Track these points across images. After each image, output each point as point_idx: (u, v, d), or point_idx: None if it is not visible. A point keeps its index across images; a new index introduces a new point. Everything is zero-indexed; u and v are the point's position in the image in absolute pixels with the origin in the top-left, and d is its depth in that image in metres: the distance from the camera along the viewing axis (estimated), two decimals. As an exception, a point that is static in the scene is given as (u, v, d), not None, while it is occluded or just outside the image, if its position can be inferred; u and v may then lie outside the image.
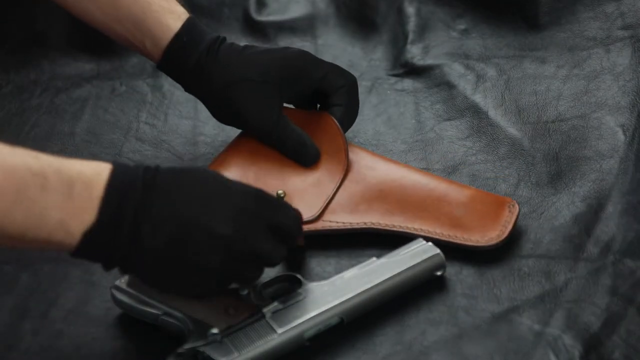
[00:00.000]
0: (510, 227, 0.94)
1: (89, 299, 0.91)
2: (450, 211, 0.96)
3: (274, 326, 0.85)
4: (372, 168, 1.00)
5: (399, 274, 0.89)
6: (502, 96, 1.13)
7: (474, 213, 0.96)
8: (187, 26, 0.98)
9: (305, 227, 0.95)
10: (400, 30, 1.23)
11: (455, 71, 1.17)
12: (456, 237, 0.94)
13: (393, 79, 1.18)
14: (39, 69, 1.21)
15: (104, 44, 1.22)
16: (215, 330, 0.84)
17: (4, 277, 0.94)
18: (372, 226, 0.96)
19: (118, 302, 0.88)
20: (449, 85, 1.15)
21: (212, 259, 0.81)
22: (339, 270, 0.91)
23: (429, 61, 1.19)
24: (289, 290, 0.89)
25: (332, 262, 0.94)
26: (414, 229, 0.95)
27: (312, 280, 0.89)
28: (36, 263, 0.95)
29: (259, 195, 0.84)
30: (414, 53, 1.20)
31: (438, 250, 0.91)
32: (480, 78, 1.16)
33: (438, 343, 0.86)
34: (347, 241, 0.96)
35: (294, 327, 0.85)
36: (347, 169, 1.00)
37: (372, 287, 0.88)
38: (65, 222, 0.77)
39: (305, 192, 0.97)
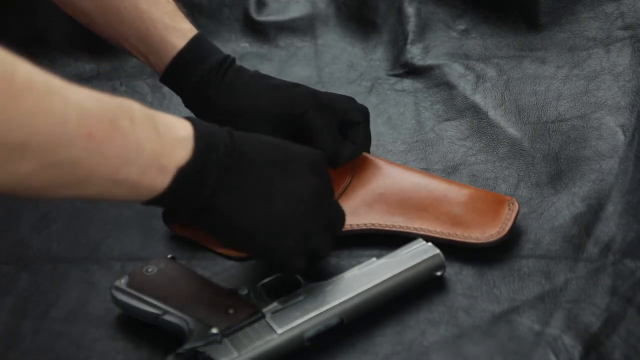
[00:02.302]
0: (510, 224, 0.94)
1: (89, 299, 0.91)
2: (450, 210, 0.96)
3: (274, 326, 0.85)
4: (372, 172, 1.00)
5: (398, 274, 0.89)
6: (502, 96, 1.13)
7: (473, 211, 0.96)
8: (191, 44, 0.98)
9: None
10: (400, 30, 1.23)
11: (455, 71, 1.17)
12: (456, 235, 0.94)
13: (393, 79, 1.18)
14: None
15: (104, 44, 1.21)
16: (215, 330, 0.84)
17: (4, 277, 0.94)
18: (373, 227, 0.96)
19: (118, 302, 0.88)
20: (449, 85, 1.15)
21: (298, 202, 0.83)
22: (339, 271, 0.91)
23: (429, 61, 1.19)
24: (288, 290, 0.89)
25: (332, 262, 0.94)
26: (414, 228, 0.95)
27: (312, 280, 0.89)
28: (36, 263, 0.95)
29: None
30: (414, 53, 1.20)
31: (438, 251, 0.91)
32: (480, 78, 1.16)
33: (438, 343, 0.86)
34: (347, 241, 0.96)
35: (294, 327, 0.85)
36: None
37: (372, 287, 0.88)
38: (159, 155, 0.76)
39: None
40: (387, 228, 0.95)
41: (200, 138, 0.79)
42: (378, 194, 0.98)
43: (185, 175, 0.77)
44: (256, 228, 0.83)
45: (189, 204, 0.79)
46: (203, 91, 0.98)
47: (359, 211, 0.97)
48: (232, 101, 0.97)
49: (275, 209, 0.83)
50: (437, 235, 0.94)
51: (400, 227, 0.95)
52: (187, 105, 1.01)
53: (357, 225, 0.96)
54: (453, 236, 0.94)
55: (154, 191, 0.77)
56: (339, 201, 0.98)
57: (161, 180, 0.76)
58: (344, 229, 0.96)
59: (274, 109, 0.97)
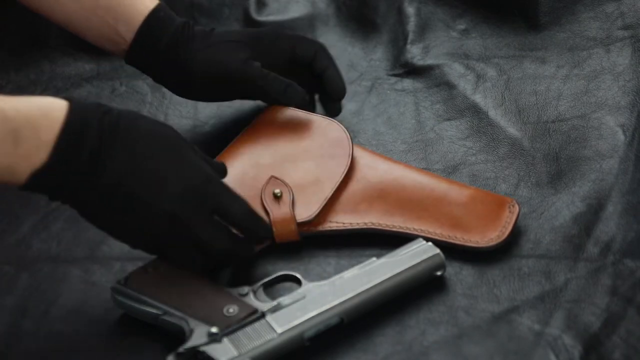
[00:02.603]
0: (510, 227, 0.94)
1: (89, 299, 0.91)
2: (450, 211, 0.96)
3: (274, 326, 0.85)
4: (373, 167, 1.00)
5: (398, 274, 0.89)
6: (502, 96, 1.13)
7: (474, 213, 0.96)
8: (161, 5, 1.02)
9: (306, 228, 0.95)
10: (400, 30, 1.23)
11: (455, 71, 1.17)
12: (456, 237, 0.94)
13: (393, 79, 1.18)
14: (39, 69, 1.21)
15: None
16: (215, 330, 0.84)
17: (4, 277, 0.94)
18: (372, 226, 0.96)
19: (118, 302, 0.88)
20: (449, 85, 1.15)
21: (148, 227, 0.85)
22: (339, 270, 0.91)
23: (429, 61, 1.19)
24: (288, 290, 0.89)
25: (332, 262, 0.94)
26: (414, 229, 0.95)
27: (312, 280, 0.89)
28: (36, 263, 0.95)
29: (211, 178, 0.87)
30: (414, 53, 1.20)
31: (438, 250, 0.91)
32: (480, 78, 1.16)
33: (438, 343, 0.86)
34: (347, 241, 0.96)
35: (294, 327, 0.85)
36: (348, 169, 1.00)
37: (372, 287, 0.88)
38: (12, 167, 0.80)
39: (304, 190, 0.97)
40: (386, 228, 0.95)
41: (64, 139, 0.81)
42: (378, 191, 0.98)
43: (40, 177, 0.81)
44: (111, 229, 0.87)
45: (52, 195, 0.84)
46: (178, 43, 1.01)
47: (359, 208, 0.97)
48: (210, 39, 1.02)
49: (133, 212, 0.85)
50: (436, 238, 0.94)
51: (400, 227, 0.95)
52: (159, 76, 1.04)
53: (357, 224, 0.96)
54: (453, 239, 0.94)
55: (14, 185, 0.82)
56: (336, 195, 0.97)
57: (16, 182, 0.81)
58: (344, 228, 0.96)
59: (254, 38, 1.04)
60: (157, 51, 1.02)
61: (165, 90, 1.11)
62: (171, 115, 1.13)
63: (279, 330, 0.84)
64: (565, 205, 0.98)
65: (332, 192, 0.97)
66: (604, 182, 1.00)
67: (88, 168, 0.82)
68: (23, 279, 0.94)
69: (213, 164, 0.91)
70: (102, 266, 0.94)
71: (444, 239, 0.94)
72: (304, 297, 0.87)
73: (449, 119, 1.11)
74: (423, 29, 1.23)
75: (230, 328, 0.84)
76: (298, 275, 0.90)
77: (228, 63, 1.02)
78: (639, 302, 0.88)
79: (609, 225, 0.95)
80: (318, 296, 0.87)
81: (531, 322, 0.87)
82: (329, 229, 0.96)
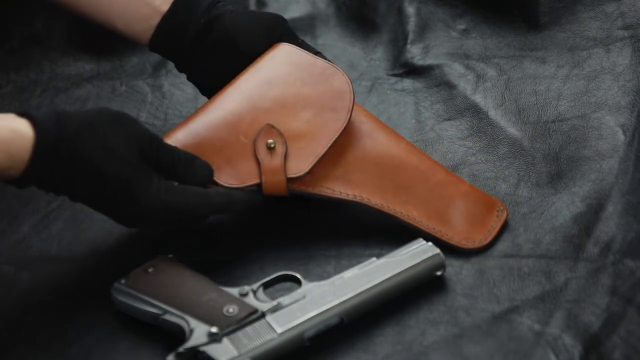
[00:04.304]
0: (494, 233, 0.94)
1: (88, 299, 0.91)
2: (440, 204, 0.95)
3: (274, 326, 0.85)
4: (373, 138, 0.99)
5: (398, 274, 0.89)
6: (502, 96, 1.13)
7: (462, 211, 0.95)
8: None
9: (296, 186, 0.95)
10: (400, 30, 1.23)
11: (455, 71, 1.17)
12: (440, 231, 0.94)
13: (393, 79, 1.18)
14: (39, 69, 1.21)
15: (104, 44, 1.22)
16: (215, 330, 0.84)
17: (4, 276, 0.94)
18: (361, 201, 0.95)
19: (118, 302, 0.88)
20: (449, 85, 1.15)
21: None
22: (339, 270, 0.91)
23: (429, 61, 1.19)
24: (289, 290, 0.89)
25: (332, 262, 0.94)
26: (401, 213, 0.95)
27: (312, 280, 0.89)
28: (36, 263, 0.95)
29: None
30: (414, 53, 1.20)
31: (438, 250, 0.91)
32: (480, 78, 1.16)
33: (438, 343, 0.86)
34: (347, 241, 0.96)
35: (294, 327, 0.85)
36: (347, 131, 0.97)
37: (372, 287, 0.88)
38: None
39: (298, 143, 0.95)
40: (375, 206, 0.95)
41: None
42: (374, 164, 0.97)
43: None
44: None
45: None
46: (209, 11, 0.99)
47: (352, 178, 0.96)
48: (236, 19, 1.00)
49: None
50: (422, 228, 0.94)
51: (388, 208, 0.95)
52: (186, 56, 1.01)
53: (348, 194, 0.96)
54: (437, 232, 0.94)
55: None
56: (330, 158, 0.96)
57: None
58: (333, 196, 0.95)
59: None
60: (191, 25, 0.99)
61: (165, 90, 1.11)
62: (171, 115, 1.13)
63: (279, 330, 0.84)
64: (565, 205, 0.98)
65: (326, 149, 0.96)
66: (604, 182, 1.00)
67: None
68: (23, 279, 0.94)
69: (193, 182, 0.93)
70: (102, 266, 0.94)
71: (428, 231, 0.94)
72: (304, 297, 0.87)
73: (449, 119, 1.11)
74: (423, 29, 1.23)
75: (230, 328, 0.84)
76: (298, 275, 0.90)
77: (258, 17, 1.02)
78: (639, 302, 0.88)
79: (609, 225, 0.95)
80: (318, 296, 0.87)
81: (531, 322, 0.87)
82: (319, 193, 0.95)
